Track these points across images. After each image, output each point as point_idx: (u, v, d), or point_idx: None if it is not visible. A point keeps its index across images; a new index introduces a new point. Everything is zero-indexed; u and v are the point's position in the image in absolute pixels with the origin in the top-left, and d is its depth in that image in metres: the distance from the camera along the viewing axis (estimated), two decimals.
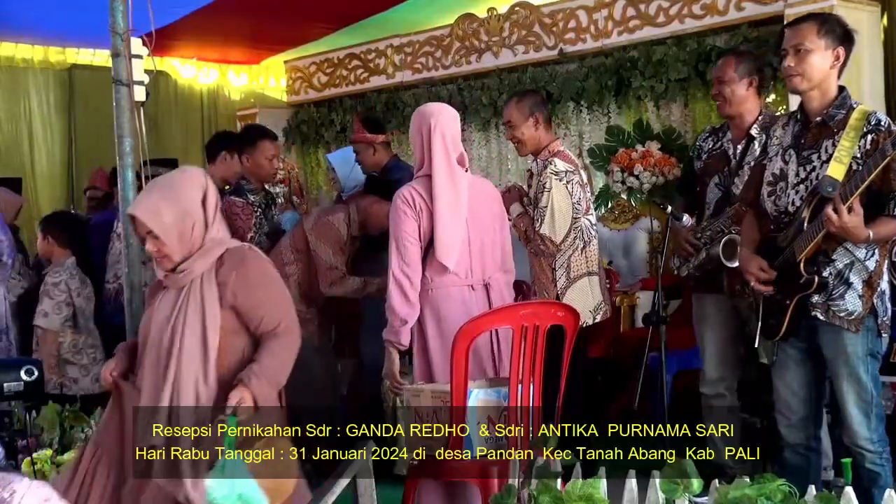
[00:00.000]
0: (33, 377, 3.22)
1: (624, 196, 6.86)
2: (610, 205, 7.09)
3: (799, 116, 3.54)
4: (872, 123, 3.36)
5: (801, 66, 3.42)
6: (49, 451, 3.67)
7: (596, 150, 6.89)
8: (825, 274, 3.40)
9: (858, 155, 3.34)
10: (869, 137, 3.34)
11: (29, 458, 3.54)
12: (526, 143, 4.65)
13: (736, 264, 4.09)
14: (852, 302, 3.41)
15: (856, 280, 3.41)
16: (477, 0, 7.35)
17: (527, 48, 7.09)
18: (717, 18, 6.13)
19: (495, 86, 7.26)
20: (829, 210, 3.25)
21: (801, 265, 3.41)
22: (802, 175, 3.46)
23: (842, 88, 3.49)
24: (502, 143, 7.24)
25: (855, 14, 5.60)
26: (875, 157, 3.24)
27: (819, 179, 3.36)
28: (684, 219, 4.37)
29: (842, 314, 3.41)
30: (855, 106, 3.44)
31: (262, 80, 9.01)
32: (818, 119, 3.45)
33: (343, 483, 3.31)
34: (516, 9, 7.14)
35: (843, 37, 3.46)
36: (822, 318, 3.43)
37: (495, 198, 4.05)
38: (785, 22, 5.56)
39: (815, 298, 3.43)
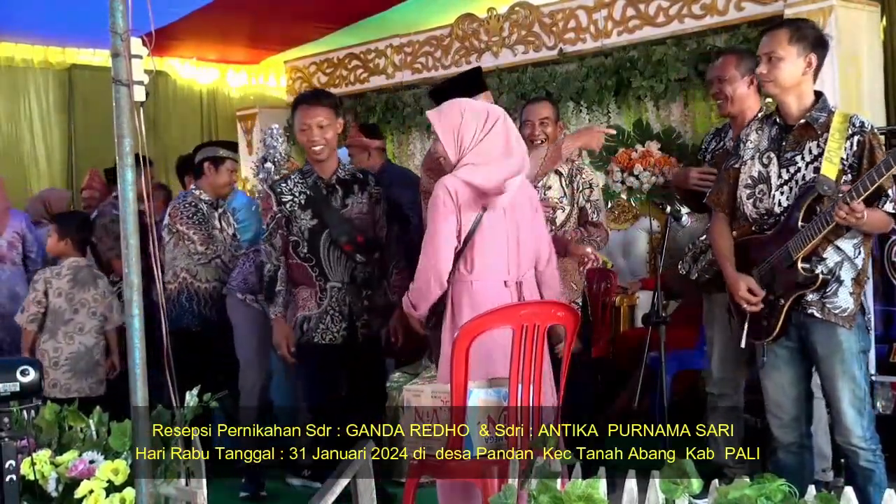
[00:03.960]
0: (29, 378, 3.20)
1: (624, 196, 6.85)
2: (610, 205, 7.09)
3: (777, 120, 3.61)
4: (857, 126, 3.46)
5: (772, 73, 3.54)
6: (48, 452, 3.67)
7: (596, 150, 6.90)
8: (816, 272, 3.44)
9: (845, 156, 3.43)
10: (855, 139, 3.45)
11: (29, 458, 3.54)
12: (551, 142, 4.84)
13: None
14: (845, 299, 3.47)
15: (846, 277, 3.49)
16: (477, 0, 7.35)
17: (526, 48, 7.09)
18: (717, 18, 6.13)
19: (495, 86, 7.24)
20: (842, 210, 3.30)
21: (799, 263, 3.44)
22: (786, 177, 3.54)
23: (819, 93, 3.60)
24: None
25: (855, 14, 5.61)
26: (888, 161, 3.30)
27: (816, 179, 3.41)
28: (683, 219, 4.37)
29: (836, 311, 3.47)
30: (833, 110, 3.55)
31: (262, 80, 9.03)
32: (801, 122, 3.52)
33: (343, 483, 3.31)
34: (516, 9, 7.14)
35: (816, 43, 3.56)
36: (818, 315, 3.47)
37: (531, 194, 4.00)
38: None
39: (811, 297, 3.47)
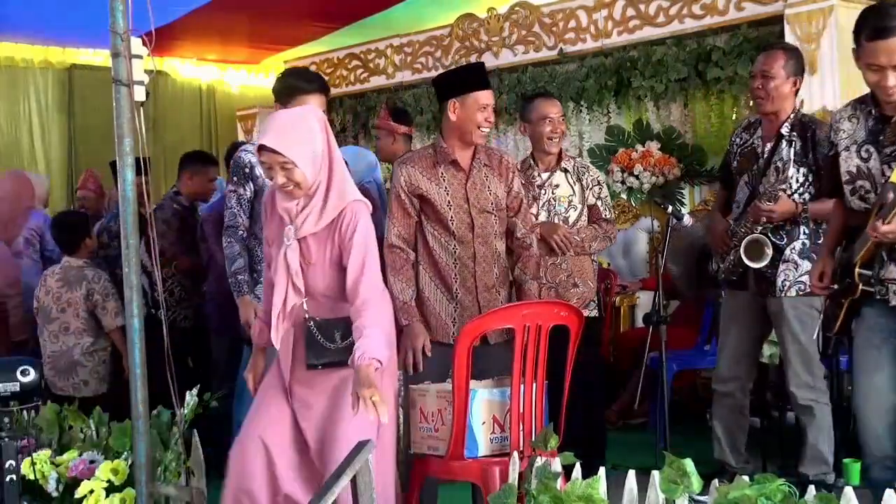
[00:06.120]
0: (29, 378, 3.19)
1: (624, 196, 6.87)
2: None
3: (873, 111, 3.31)
4: None
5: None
6: (48, 452, 3.67)
7: (596, 150, 6.90)
8: (871, 281, 3.22)
9: None
10: None
11: (29, 458, 3.54)
12: (562, 139, 4.79)
13: (760, 265, 4.07)
14: None
15: None
16: (477, 0, 7.35)
17: (527, 48, 7.09)
18: (717, 18, 6.13)
19: (495, 86, 7.23)
20: (879, 223, 3.09)
21: (857, 269, 3.24)
22: (889, 173, 3.22)
23: None
24: (502, 142, 7.24)
25: (855, 14, 5.54)
26: None
27: (884, 187, 3.16)
28: (685, 219, 4.35)
29: None
30: None
31: (262, 80, 9.02)
32: None
33: (343, 483, 3.31)
34: (516, 9, 7.14)
35: None
36: None
37: None
38: (785, 22, 5.58)
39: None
